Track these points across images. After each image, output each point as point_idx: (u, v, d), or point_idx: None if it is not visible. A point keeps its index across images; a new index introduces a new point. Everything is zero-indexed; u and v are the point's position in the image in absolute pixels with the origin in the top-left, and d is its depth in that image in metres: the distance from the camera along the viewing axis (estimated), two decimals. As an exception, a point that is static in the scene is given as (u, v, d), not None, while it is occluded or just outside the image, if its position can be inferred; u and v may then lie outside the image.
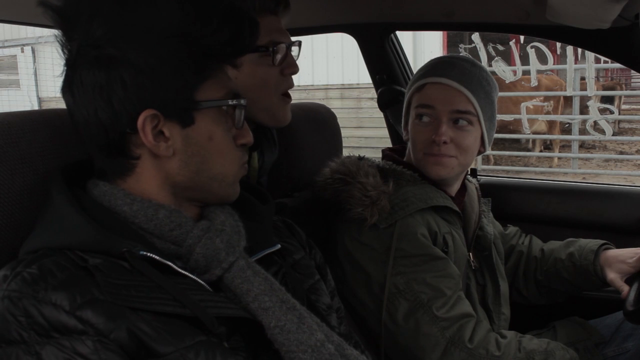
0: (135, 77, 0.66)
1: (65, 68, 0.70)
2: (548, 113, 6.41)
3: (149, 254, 0.65)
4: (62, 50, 0.69)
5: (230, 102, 0.72)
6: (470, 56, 1.33)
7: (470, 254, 1.31)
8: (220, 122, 0.72)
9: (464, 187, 1.33)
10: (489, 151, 1.30)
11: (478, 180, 1.49)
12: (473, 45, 5.10)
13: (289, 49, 1.11)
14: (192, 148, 0.71)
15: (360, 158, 1.26)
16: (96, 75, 0.66)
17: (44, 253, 0.64)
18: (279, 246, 0.82)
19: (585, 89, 6.01)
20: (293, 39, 1.12)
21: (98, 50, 0.66)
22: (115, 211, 0.69)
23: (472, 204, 1.35)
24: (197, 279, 0.69)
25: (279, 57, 1.08)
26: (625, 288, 1.25)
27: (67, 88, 0.70)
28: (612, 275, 1.29)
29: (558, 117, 6.70)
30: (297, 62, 1.12)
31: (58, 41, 0.70)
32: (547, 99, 6.42)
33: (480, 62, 1.53)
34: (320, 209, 1.28)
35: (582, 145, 7.27)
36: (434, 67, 1.25)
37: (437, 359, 1.09)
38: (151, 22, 0.67)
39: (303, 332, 0.71)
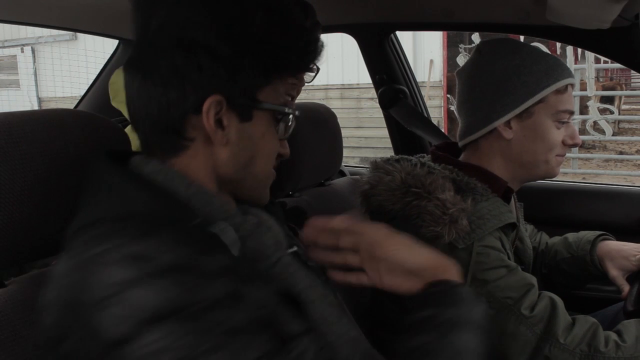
0: (212, 64, 0.68)
1: (138, 43, 0.71)
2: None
3: (218, 227, 0.66)
4: (138, 25, 0.70)
5: (287, 110, 0.75)
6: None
7: None
8: (272, 126, 0.75)
9: None
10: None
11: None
12: (473, 45, 5.11)
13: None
14: (245, 142, 0.72)
15: (424, 164, 1.17)
16: (175, 57, 0.67)
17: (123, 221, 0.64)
18: (296, 248, 0.84)
19: (585, 89, 6.02)
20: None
21: (182, 32, 0.67)
22: (170, 191, 0.70)
23: (515, 212, 1.28)
24: None
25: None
26: (626, 287, 1.25)
27: (137, 63, 0.70)
28: (614, 272, 1.29)
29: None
30: None
31: (132, 13, 0.70)
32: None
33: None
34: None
35: (582, 145, 7.27)
36: (563, 68, 1.17)
37: (527, 357, 1.03)
38: (238, 16, 0.69)
39: (343, 326, 0.74)
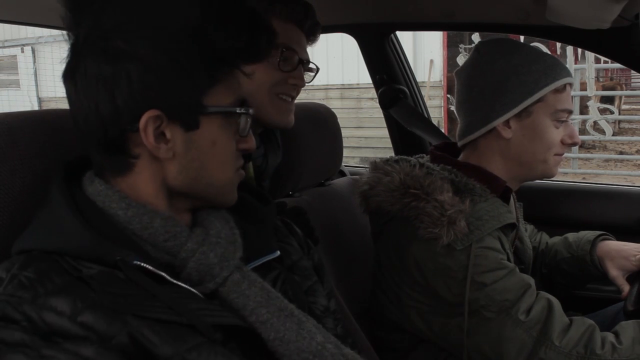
0: (142, 74, 0.64)
1: (70, 53, 0.67)
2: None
3: (142, 264, 0.64)
4: (68, 34, 0.67)
5: (238, 110, 0.71)
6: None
7: None
8: (225, 128, 0.71)
9: None
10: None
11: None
12: (473, 45, 5.10)
13: (301, 63, 1.09)
14: (193, 153, 0.69)
15: (422, 165, 1.16)
16: (101, 68, 0.64)
17: (38, 256, 0.63)
18: (278, 253, 0.80)
19: (585, 89, 6.02)
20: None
21: (107, 41, 0.64)
22: (109, 214, 0.67)
23: (514, 212, 1.27)
24: (190, 288, 0.68)
25: (286, 63, 1.05)
26: (626, 287, 1.25)
27: (70, 75, 0.67)
28: (614, 272, 1.29)
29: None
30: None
31: (64, 23, 0.67)
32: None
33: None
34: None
35: (582, 145, 7.27)
36: (562, 67, 1.16)
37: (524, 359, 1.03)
38: (167, 19, 0.65)
39: (303, 339, 0.70)
